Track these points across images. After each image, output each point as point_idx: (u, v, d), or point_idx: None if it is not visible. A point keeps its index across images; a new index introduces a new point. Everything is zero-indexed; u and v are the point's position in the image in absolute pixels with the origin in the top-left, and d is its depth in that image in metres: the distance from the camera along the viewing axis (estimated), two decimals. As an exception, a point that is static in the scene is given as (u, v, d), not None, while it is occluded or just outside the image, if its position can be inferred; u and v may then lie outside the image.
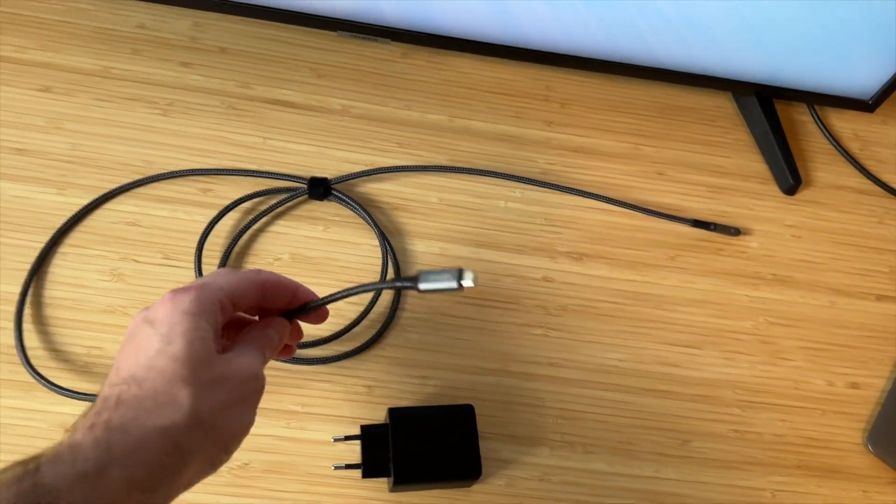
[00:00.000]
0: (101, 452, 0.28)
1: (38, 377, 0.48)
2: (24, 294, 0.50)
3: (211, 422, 0.32)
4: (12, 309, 0.50)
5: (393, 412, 0.47)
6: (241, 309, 0.36)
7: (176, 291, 0.34)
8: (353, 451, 0.49)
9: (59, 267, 0.52)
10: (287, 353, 0.42)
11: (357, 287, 0.37)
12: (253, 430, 0.47)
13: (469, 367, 0.53)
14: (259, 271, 0.37)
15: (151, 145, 0.57)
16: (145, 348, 0.32)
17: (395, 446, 0.46)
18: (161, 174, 0.55)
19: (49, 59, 0.60)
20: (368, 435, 0.48)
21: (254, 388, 0.34)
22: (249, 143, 0.59)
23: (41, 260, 0.52)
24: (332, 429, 0.49)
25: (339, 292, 0.37)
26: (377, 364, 0.52)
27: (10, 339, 0.49)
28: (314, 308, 0.39)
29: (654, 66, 0.62)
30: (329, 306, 0.39)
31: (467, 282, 0.35)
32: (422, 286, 0.36)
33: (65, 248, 0.53)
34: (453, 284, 0.35)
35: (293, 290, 0.38)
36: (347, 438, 0.48)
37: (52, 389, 0.47)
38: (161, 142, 0.57)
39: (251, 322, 0.38)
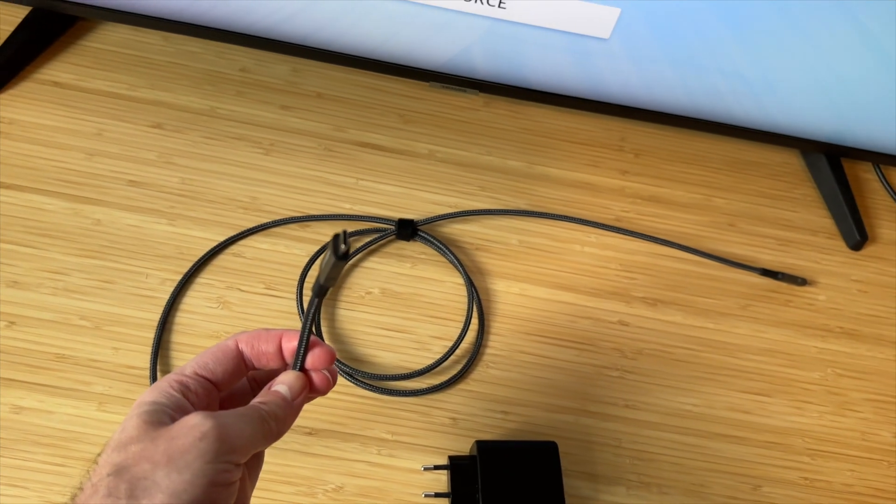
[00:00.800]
0: None
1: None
2: (163, 323, 0.54)
3: (139, 483, 0.29)
4: (139, 333, 0.54)
5: (481, 445, 0.50)
6: (221, 376, 0.35)
7: None
8: (440, 481, 0.51)
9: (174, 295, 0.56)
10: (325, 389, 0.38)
11: (307, 318, 0.35)
12: (347, 455, 0.51)
13: (548, 405, 0.55)
14: (233, 336, 0.36)
15: (255, 182, 0.61)
16: None
17: (483, 478, 0.49)
18: (284, 219, 0.60)
19: (160, 98, 0.64)
20: (456, 466, 0.50)
21: (190, 440, 0.30)
22: (344, 182, 0.62)
23: (178, 290, 0.56)
24: (420, 457, 0.52)
25: (303, 326, 0.36)
26: (461, 398, 0.55)
27: (128, 359, 0.53)
28: (305, 349, 0.36)
29: (727, 123, 0.65)
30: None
31: (342, 245, 0.32)
32: (326, 284, 0.34)
33: (176, 277, 0.56)
34: (333, 260, 0.32)
35: (278, 335, 0.36)
36: (437, 468, 0.51)
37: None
38: (264, 179, 0.61)
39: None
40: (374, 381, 0.54)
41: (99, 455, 0.31)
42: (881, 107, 0.62)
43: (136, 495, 0.29)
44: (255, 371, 0.37)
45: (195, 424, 0.31)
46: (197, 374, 0.34)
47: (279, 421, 0.34)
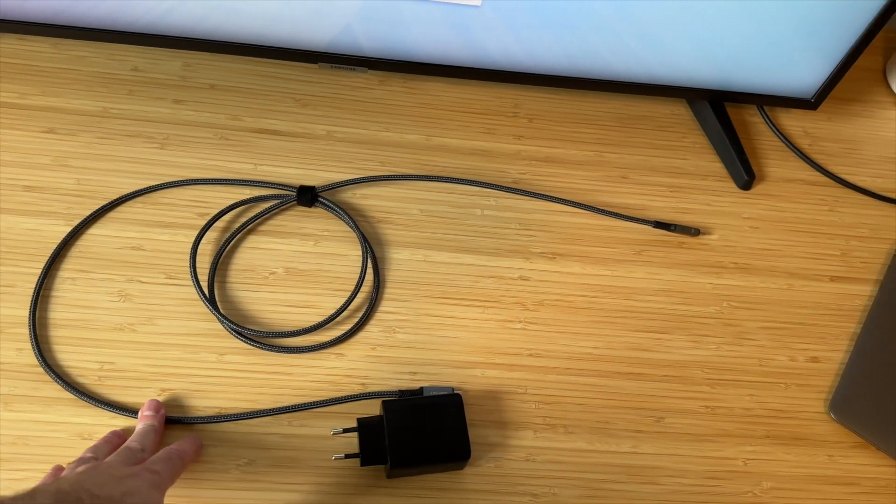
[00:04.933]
0: None
1: (72, 390, 0.52)
2: (33, 314, 0.55)
3: None
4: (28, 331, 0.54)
5: (386, 404, 0.51)
6: None
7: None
8: (351, 444, 0.52)
9: (70, 291, 0.56)
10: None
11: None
12: (259, 429, 0.52)
13: (455, 362, 0.57)
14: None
15: (151, 176, 0.62)
16: None
17: (390, 435, 0.50)
18: (152, 186, 0.61)
19: (51, 104, 0.65)
20: (364, 426, 0.51)
21: None
22: (241, 169, 0.63)
23: (42, 282, 0.56)
24: (331, 424, 0.53)
25: None
26: (370, 364, 0.56)
27: (33, 359, 0.53)
28: None
29: (611, 80, 0.67)
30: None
31: None
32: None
33: (74, 274, 0.57)
34: None
35: None
36: (345, 431, 0.52)
37: (88, 401, 0.52)
38: (160, 172, 0.62)
39: None
40: (261, 337, 0.56)
41: None
42: (754, 50, 0.65)
43: None
44: None
45: None
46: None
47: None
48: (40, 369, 0.53)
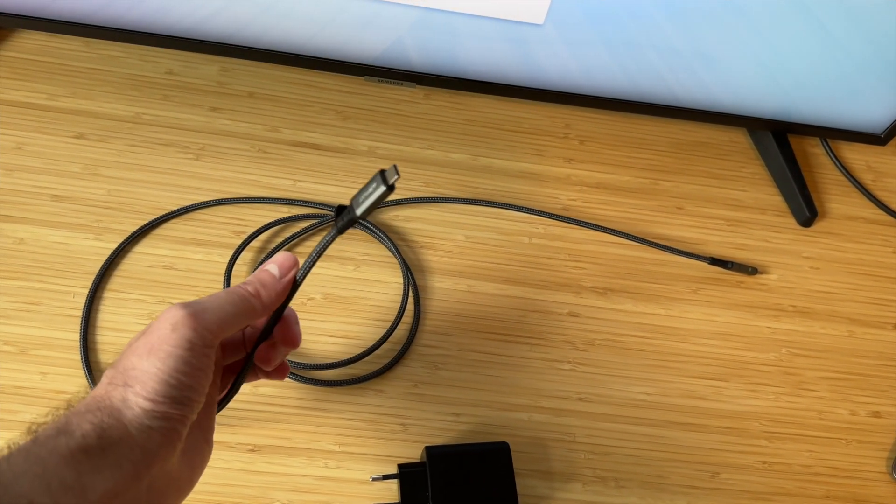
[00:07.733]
0: None
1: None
2: (84, 339, 0.52)
3: (129, 372, 0.32)
4: (67, 356, 0.51)
5: (430, 451, 0.48)
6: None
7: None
8: (391, 490, 0.49)
9: (101, 312, 0.53)
10: (281, 373, 0.41)
11: (312, 255, 0.36)
12: (293, 470, 0.49)
13: (500, 404, 0.54)
14: (241, 285, 0.36)
15: (186, 189, 0.58)
16: None
17: (433, 485, 0.47)
18: (189, 206, 0.58)
19: (82, 107, 0.61)
20: (406, 474, 0.49)
21: (165, 331, 0.33)
22: (280, 185, 0.60)
23: (89, 305, 0.53)
24: (370, 468, 0.50)
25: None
26: (411, 402, 0.53)
27: (58, 384, 0.50)
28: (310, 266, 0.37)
29: (670, 105, 0.64)
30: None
31: (392, 175, 0.33)
32: (358, 211, 0.34)
33: (104, 293, 0.54)
34: (382, 188, 0.33)
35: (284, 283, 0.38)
36: (386, 477, 0.49)
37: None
38: (195, 186, 0.59)
39: None
40: (297, 369, 0.53)
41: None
42: (824, 81, 0.61)
43: (130, 383, 0.32)
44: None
45: (168, 317, 0.33)
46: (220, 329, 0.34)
47: (265, 292, 0.36)
48: (67, 396, 0.49)
